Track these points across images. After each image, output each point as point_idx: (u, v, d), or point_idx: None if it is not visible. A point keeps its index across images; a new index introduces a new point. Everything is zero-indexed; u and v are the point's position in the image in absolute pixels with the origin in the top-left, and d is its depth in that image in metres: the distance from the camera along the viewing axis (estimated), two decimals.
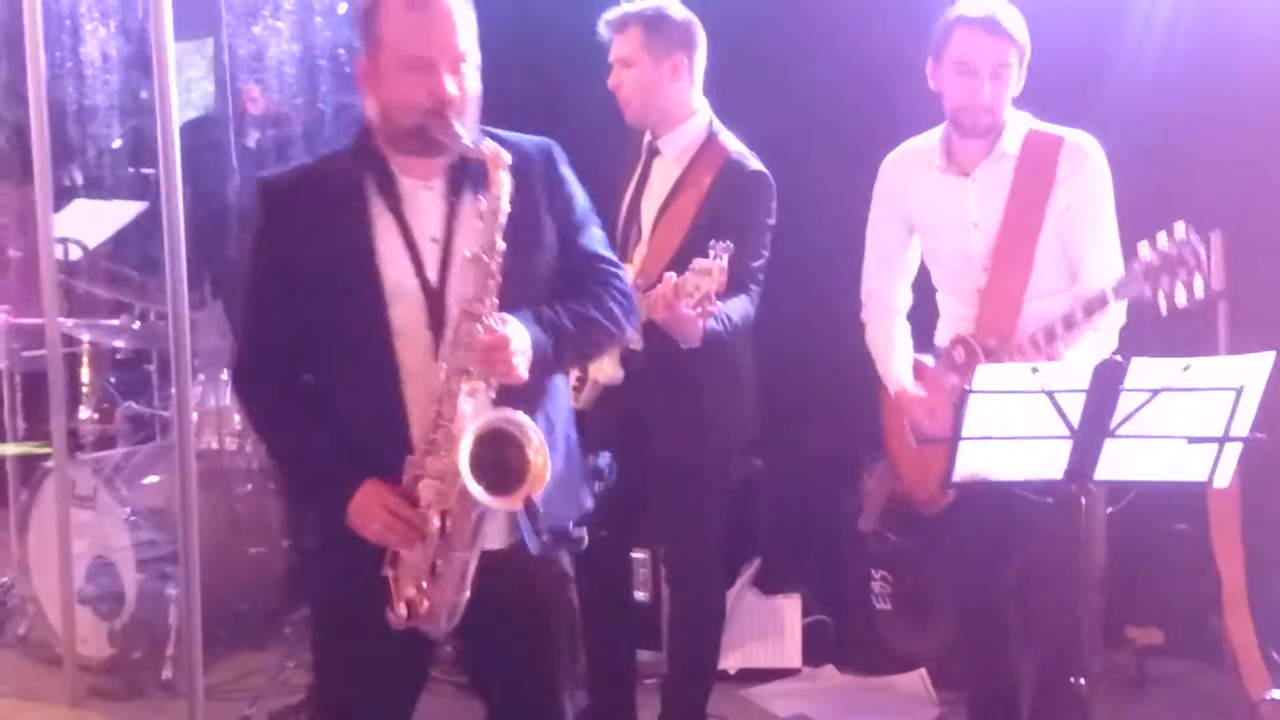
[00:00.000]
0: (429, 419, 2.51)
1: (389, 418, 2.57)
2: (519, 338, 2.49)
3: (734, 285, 3.42)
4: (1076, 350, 3.23)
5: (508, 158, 2.50)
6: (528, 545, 2.59)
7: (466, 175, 2.61)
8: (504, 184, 2.48)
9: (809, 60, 4.96)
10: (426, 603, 2.53)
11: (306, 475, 2.73)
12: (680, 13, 3.71)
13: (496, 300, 2.48)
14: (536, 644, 2.75)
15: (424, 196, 2.61)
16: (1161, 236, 3.03)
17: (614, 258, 2.81)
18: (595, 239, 2.78)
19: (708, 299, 3.30)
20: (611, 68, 3.73)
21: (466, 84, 2.55)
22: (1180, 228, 3.02)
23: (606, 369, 3.71)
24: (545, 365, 2.59)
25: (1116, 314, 3.26)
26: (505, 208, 2.48)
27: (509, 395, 2.53)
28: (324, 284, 2.58)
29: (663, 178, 3.75)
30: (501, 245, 2.48)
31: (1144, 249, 3.06)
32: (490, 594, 2.59)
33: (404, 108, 2.53)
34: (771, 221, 3.68)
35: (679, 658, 4.02)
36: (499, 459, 2.45)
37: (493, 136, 2.63)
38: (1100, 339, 3.27)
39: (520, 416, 2.46)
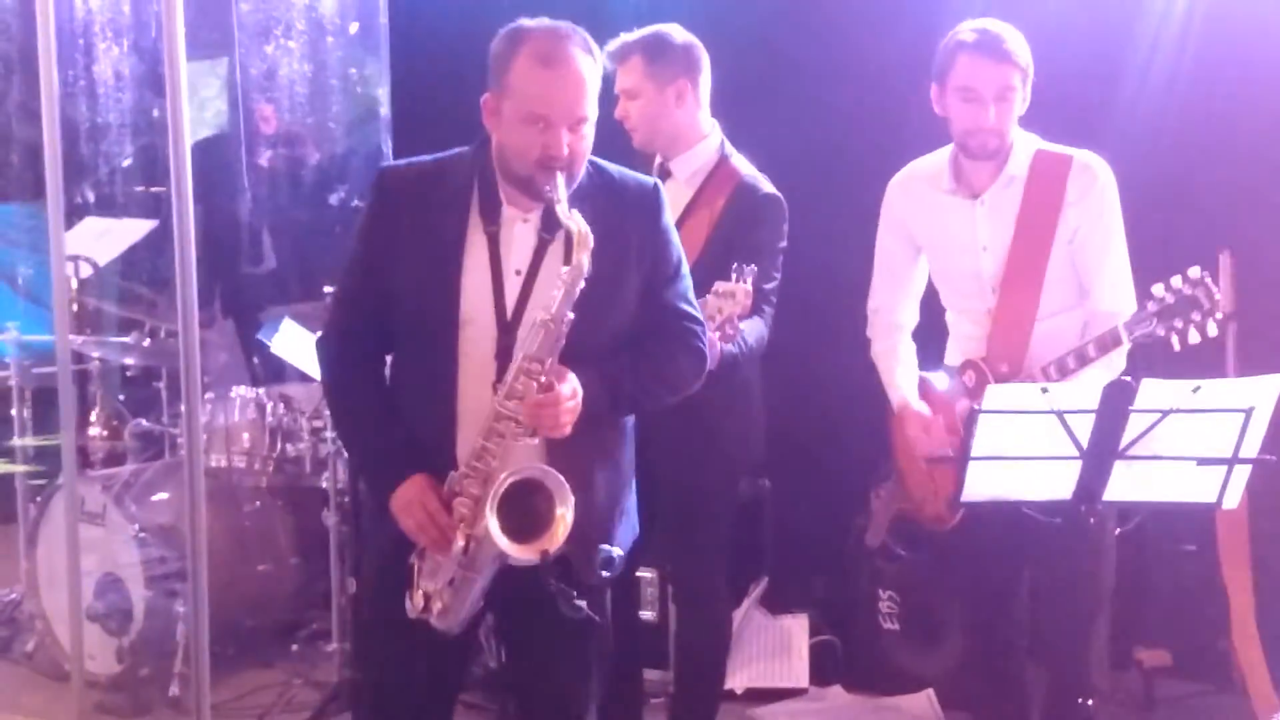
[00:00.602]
0: (475, 448, 2.60)
1: (440, 429, 2.68)
2: (571, 396, 2.58)
3: (749, 308, 3.42)
4: (1088, 371, 3.23)
5: (590, 240, 2.55)
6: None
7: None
8: (585, 264, 2.54)
9: (816, 79, 4.96)
10: (440, 605, 2.63)
11: (367, 449, 2.85)
12: (681, 36, 3.69)
13: (556, 361, 2.56)
14: (564, 660, 2.84)
15: (519, 228, 2.69)
16: (1176, 279, 3.05)
17: (696, 312, 2.86)
18: (680, 293, 2.82)
19: (730, 321, 3.29)
20: (618, 98, 3.72)
21: (582, 144, 2.65)
22: (1195, 271, 3.04)
23: None
24: (598, 420, 2.67)
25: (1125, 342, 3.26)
26: (582, 284, 2.55)
27: (564, 442, 2.63)
28: (411, 284, 2.70)
29: (674, 199, 3.71)
30: (571, 315, 2.55)
31: (1158, 289, 3.07)
32: (503, 592, 2.71)
33: (518, 155, 2.63)
34: (784, 244, 3.67)
35: (685, 677, 4.01)
36: (529, 508, 2.55)
37: (600, 171, 2.75)
38: (1110, 361, 3.27)
39: (556, 475, 2.55)
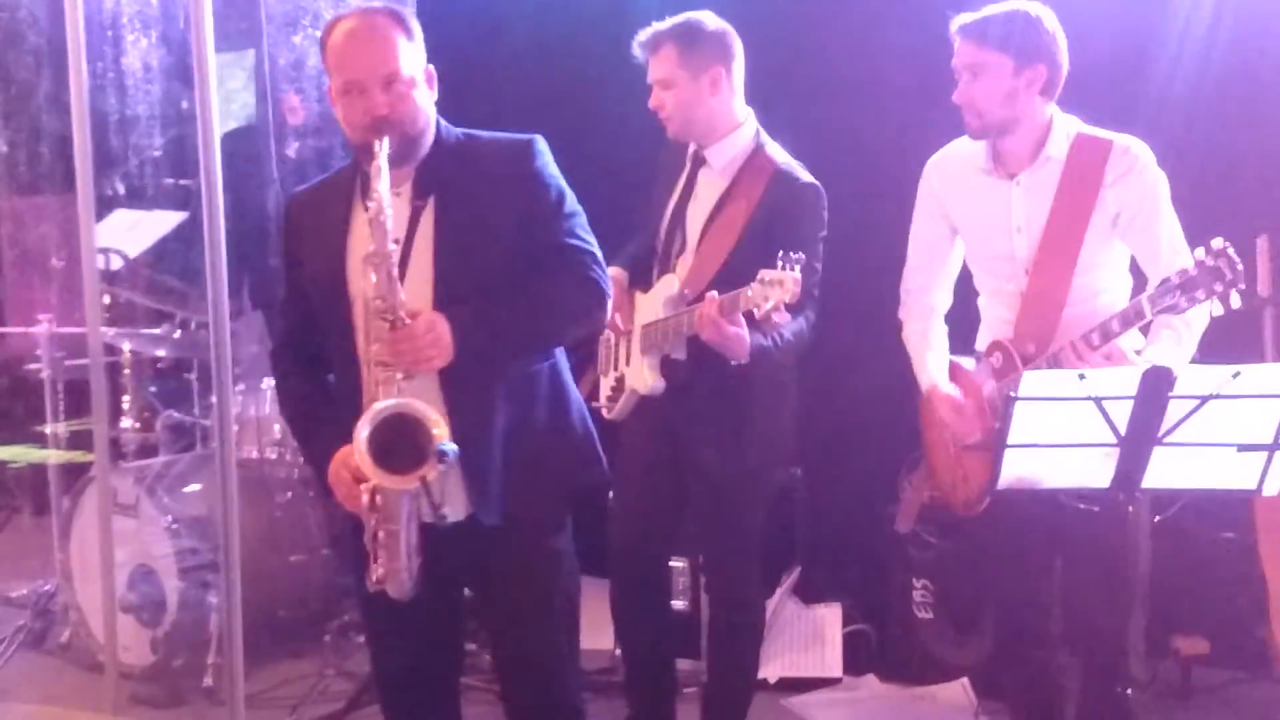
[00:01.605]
0: (367, 402, 2.71)
1: (353, 404, 2.77)
2: (428, 329, 2.68)
3: (798, 297, 3.39)
4: (1155, 349, 3.19)
5: (385, 172, 2.66)
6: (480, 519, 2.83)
7: (433, 180, 2.82)
8: (382, 194, 2.64)
9: (845, 65, 4.95)
10: (380, 569, 2.72)
11: (309, 444, 3.01)
12: (714, 23, 3.67)
13: (402, 295, 2.67)
14: (526, 615, 2.96)
15: (394, 204, 2.76)
16: (1199, 250, 3.00)
17: (586, 244, 2.92)
18: (565, 229, 2.89)
19: (778, 309, 3.26)
20: (651, 88, 3.70)
21: (404, 105, 2.76)
22: (1218, 241, 2.99)
23: (646, 379, 3.70)
24: (482, 354, 2.76)
25: (1198, 317, 3.19)
26: (387, 212, 2.64)
27: (455, 383, 2.77)
28: (312, 285, 2.90)
29: (709, 188, 3.71)
30: (393, 247, 2.65)
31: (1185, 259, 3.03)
32: (466, 562, 2.90)
33: (351, 129, 2.79)
34: (824, 234, 3.66)
35: (718, 667, 4.00)
36: (406, 441, 2.62)
37: (471, 135, 2.91)
38: (1180, 337, 3.21)
39: (420, 405, 2.64)
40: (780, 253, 3.27)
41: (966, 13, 3.33)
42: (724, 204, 3.64)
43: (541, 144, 2.90)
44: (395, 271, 2.66)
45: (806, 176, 3.63)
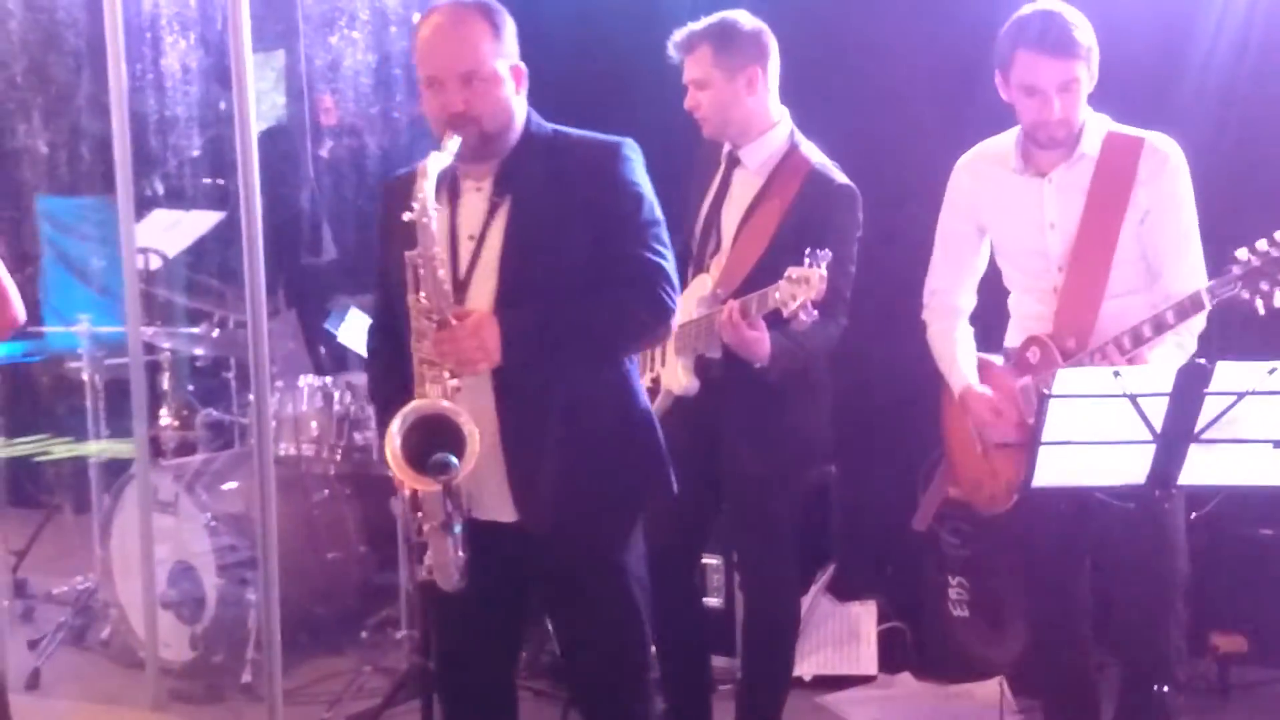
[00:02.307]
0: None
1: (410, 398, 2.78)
2: (473, 330, 2.66)
3: (827, 313, 3.39)
4: (1159, 352, 3.19)
5: (430, 172, 2.65)
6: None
7: (514, 178, 2.81)
8: (426, 194, 2.64)
9: (875, 65, 4.93)
10: (428, 561, 2.75)
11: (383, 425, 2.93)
12: (749, 23, 3.65)
13: (450, 296, 2.68)
14: (587, 629, 2.96)
15: (474, 197, 2.80)
16: (1261, 242, 2.99)
17: (661, 260, 2.87)
18: (640, 240, 2.85)
19: (804, 309, 3.25)
20: (686, 89, 3.68)
21: (483, 101, 2.75)
22: None
23: (681, 379, 3.70)
24: (531, 361, 2.74)
25: (1199, 319, 3.21)
26: (430, 214, 2.64)
27: (507, 387, 2.77)
28: (391, 274, 2.83)
29: (744, 188, 3.70)
30: (436, 249, 2.66)
31: (1242, 253, 3.02)
32: (523, 563, 2.91)
33: (432, 123, 2.80)
34: (859, 234, 3.64)
35: (753, 664, 4.00)
36: (446, 441, 2.63)
37: (559, 133, 2.87)
38: (1182, 341, 3.23)
39: (457, 410, 2.65)
40: (807, 250, 3.27)
41: (1027, 15, 3.29)
42: (758, 204, 3.64)
43: (630, 149, 2.87)
44: (442, 272, 2.66)
45: (841, 178, 3.62)
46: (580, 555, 2.89)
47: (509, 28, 2.83)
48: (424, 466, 2.60)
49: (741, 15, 3.67)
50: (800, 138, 3.70)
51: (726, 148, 3.75)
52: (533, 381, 2.76)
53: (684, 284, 3.81)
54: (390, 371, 2.94)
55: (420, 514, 2.70)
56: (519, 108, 2.84)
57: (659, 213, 2.90)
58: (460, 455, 2.61)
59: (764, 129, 3.67)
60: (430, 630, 3.10)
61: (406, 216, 2.65)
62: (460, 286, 2.79)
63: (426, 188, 2.64)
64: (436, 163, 2.67)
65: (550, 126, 2.89)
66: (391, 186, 2.96)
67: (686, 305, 3.71)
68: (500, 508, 2.83)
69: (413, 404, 2.67)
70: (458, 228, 2.83)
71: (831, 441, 3.93)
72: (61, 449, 5.21)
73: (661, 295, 2.84)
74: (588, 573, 2.91)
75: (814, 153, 3.67)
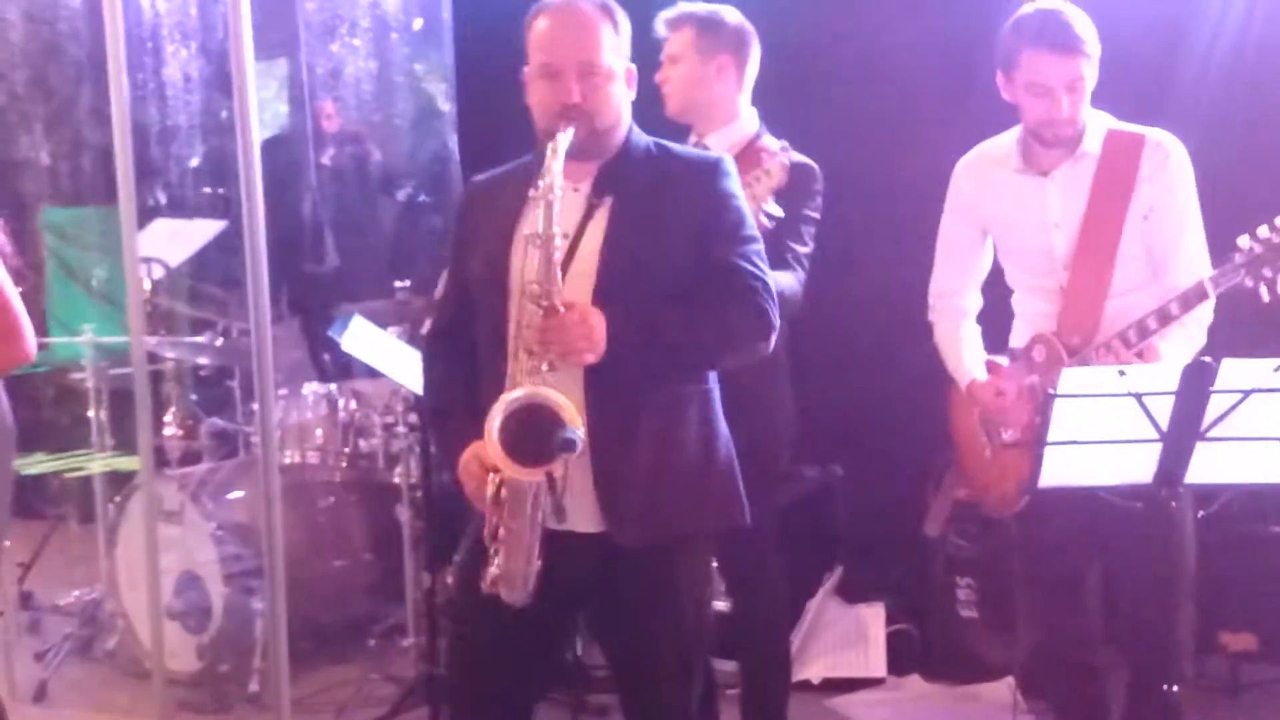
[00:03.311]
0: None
1: (497, 397, 2.64)
2: (581, 320, 2.59)
3: (781, 264, 3.42)
4: (1166, 346, 3.18)
5: (560, 150, 2.60)
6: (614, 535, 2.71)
7: (615, 181, 2.75)
8: (555, 174, 2.57)
9: (878, 65, 4.93)
10: (499, 569, 2.63)
11: (444, 435, 2.93)
12: (734, 18, 3.74)
13: (561, 284, 2.58)
14: (653, 657, 2.84)
15: (570, 198, 2.69)
16: (1263, 228, 2.99)
17: (761, 274, 2.80)
18: (742, 253, 2.79)
19: (769, 199, 3.36)
20: (661, 64, 3.76)
21: (598, 95, 2.70)
22: None
23: None
24: (633, 358, 2.64)
25: (1206, 311, 3.21)
26: (557, 193, 2.57)
27: (600, 384, 2.66)
28: (475, 271, 2.81)
29: None
30: (557, 230, 2.58)
31: (1244, 240, 3.02)
32: (591, 582, 2.77)
33: (541, 113, 2.74)
34: (817, 215, 3.67)
35: (749, 667, 3.98)
36: (540, 435, 2.52)
37: (663, 146, 2.85)
38: (1190, 334, 3.22)
39: (557, 396, 2.54)
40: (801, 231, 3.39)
41: (1030, 15, 3.28)
42: None
43: (730, 164, 2.84)
44: (557, 257, 2.58)
45: (799, 157, 3.63)
46: (658, 574, 2.77)
47: (626, 27, 2.80)
48: (524, 456, 2.50)
49: (731, 11, 3.75)
50: (767, 134, 3.71)
51: (692, 139, 3.77)
52: (626, 383, 2.67)
53: None
54: (451, 378, 2.89)
55: (500, 515, 2.60)
56: (627, 110, 2.81)
57: (757, 232, 2.86)
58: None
59: (728, 119, 3.72)
60: (453, 644, 3.04)
61: (532, 193, 2.59)
62: None
63: (555, 166, 2.57)
64: (565, 141, 2.61)
65: (650, 139, 2.85)
66: (476, 185, 2.96)
67: None
68: (582, 517, 2.68)
69: (517, 392, 2.56)
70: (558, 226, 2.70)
71: (796, 429, 3.88)
72: (59, 464, 5.21)
73: (766, 309, 2.77)
74: (662, 593, 2.79)
75: (772, 142, 3.66)
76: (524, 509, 2.58)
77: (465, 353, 2.86)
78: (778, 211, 3.39)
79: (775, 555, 3.84)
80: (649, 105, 3.72)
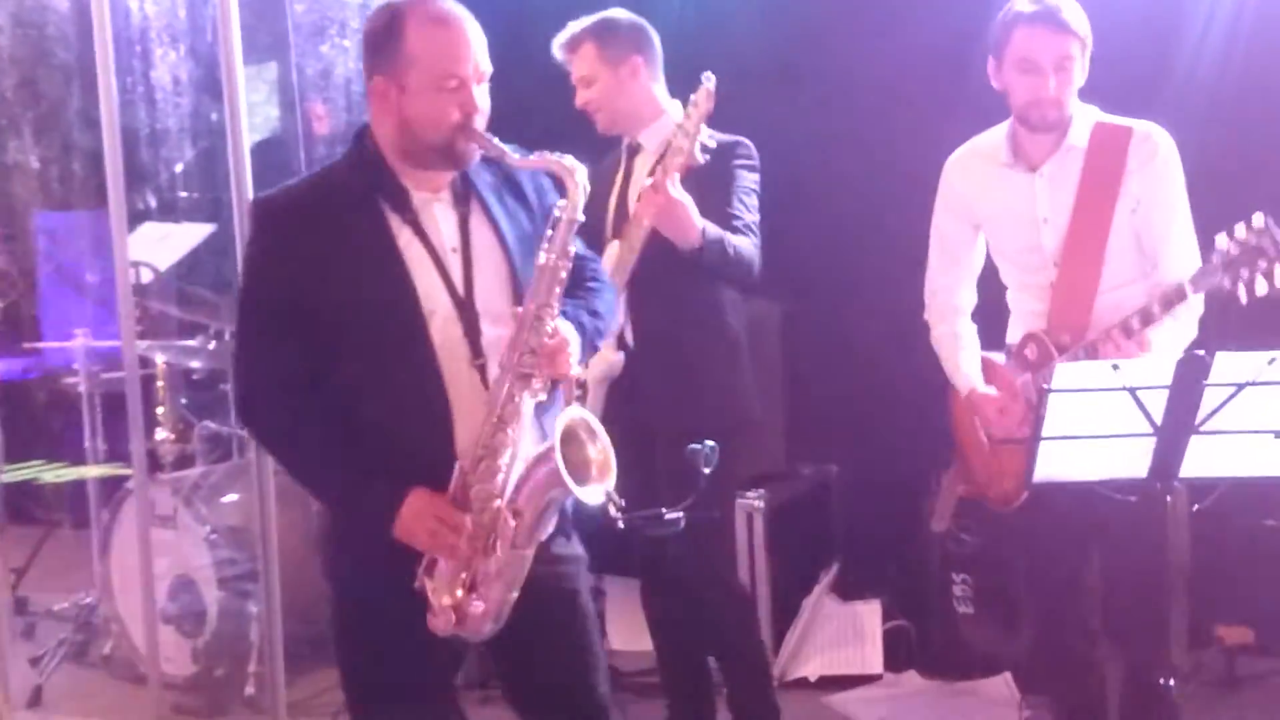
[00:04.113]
0: (487, 426, 2.54)
1: (434, 429, 2.59)
2: (574, 337, 2.61)
3: (735, 232, 3.50)
4: (1158, 338, 3.18)
5: (582, 167, 2.56)
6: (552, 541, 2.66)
7: (470, 185, 2.69)
8: (581, 192, 2.55)
9: (869, 63, 4.92)
10: (481, 605, 2.55)
11: (345, 493, 2.66)
12: (626, 16, 3.75)
13: (559, 305, 2.57)
14: (572, 637, 2.79)
15: (436, 208, 2.65)
16: (1240, 227, 3.00)
17: (591, 251, 2.92)
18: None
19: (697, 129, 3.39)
20: (575, 90, 3.76)
21: (486, 102, 2.62)
22: (1259, 218, 2.99)
23: (607, 355, 3.70)
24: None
25: (1196, 303, 3.21)
26: (580, 217, 2.56)
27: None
28: (354, 303, 2.57)
29: (643, 168, 3.74)
30: (572, 251, 2.56)
31: (1221, 240, 3.03)
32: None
33: (433, 125, 2.57)
34: (756, 187, 3.68)
35: (725, 659, 3.98)
36: (570, 454, 2.51)
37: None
38: (1180, 328, 3.22)
39: (587, 413, 2.57)
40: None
41: (1020, 4, 3.28)
42: (654, 173, 3.59)
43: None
44: (564, 282, 2.58)
45: (727, 137, 3.63)
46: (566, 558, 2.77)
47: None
48: (578, 476, 2.49)
49: (619, 12, 3.76)
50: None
51: (625, 142, 3.81)
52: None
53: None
54: (330, 435, 2.61)
55: (479, 553, 2.53)
56: None
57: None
58: (588, 459, 2.55)
59: (655, 115, 3.74)
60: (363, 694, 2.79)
61: (560, 214, 2.56)
62: (465, 304, 2.62)
63: (581, 185, 2.56)
64: (583, 172, 2.59)
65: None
66: (273, 206, 2.67)
67: None
68: None
69: (574, 411, 2.56)
70: (431, 241, 2.62)
71: (757, 410, 3.86)
72: (50, 475, 5.20)
73: (609, 284, 2.95)
74: (571, 571, 2.79)
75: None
76: (532, 536, 2.56)
77: (310, 400, 2.61)
78: (711, 143, 3.43)
79: (730, 530, 3.82)
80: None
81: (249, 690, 4.62)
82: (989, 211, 3.51)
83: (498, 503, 2.53)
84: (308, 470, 2.72)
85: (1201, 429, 2.74)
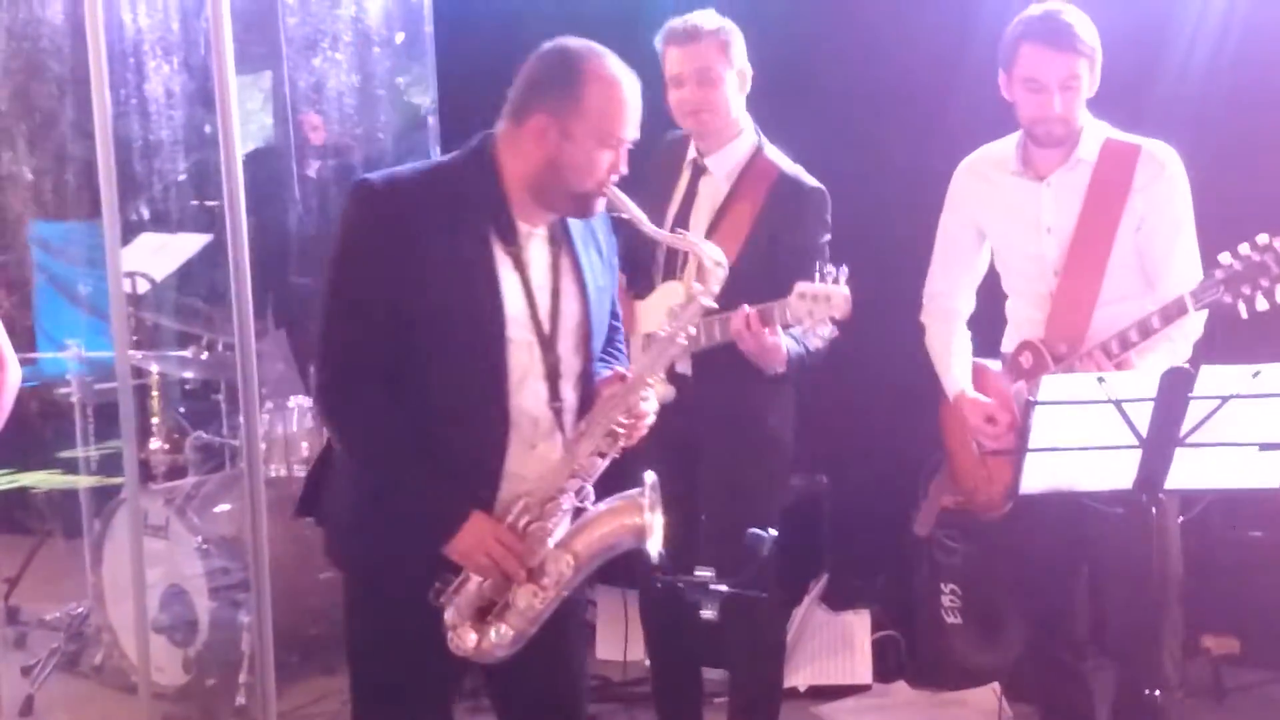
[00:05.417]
0: (564, 471, 2.62)
1: (489, 454, 2.64)
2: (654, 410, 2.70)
3: (849, 313, 3.39)
4: (1152, 359, 3.19)
5: (724, 259, 2.71)
6: None
7: (565, 229, 2.73)
8: (718, 280, 2.68)
9: (867, 69, 4.95)
10: (510, 634, 2.60)
11: (413, 495, 2.64)
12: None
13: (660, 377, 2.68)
14: (562, 656, 2.85)
15: (535, 243, 2.68)
16: (1244, 246, 3.02)
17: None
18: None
19: (821, 323, 3.27)
20: (667, 83, 3.63)
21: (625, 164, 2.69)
22: (1263, 237, 3.01)
23: (659, 389, 3.68)
24: None
25: (1193, 325, 3.22)
26: (713, 305, 2.69)
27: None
28: (446, 311, 2.58)
29: (711, 194, 3.67)
30: (693, 331, 2.69)
31: (1224, 257, 3.04)
32: None
33: (585, 174, 2.61)
34: (829, 238, 3.63)
35: (740, 677, 3.98)
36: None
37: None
38: (1176, 349, 3.23)
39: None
40: (818, 266, 3.27)
41: (1033, 15, 3.31)
42: (726, 211, 3.60)
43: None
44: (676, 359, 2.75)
45: (811, 181, 3.62)
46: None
47: None
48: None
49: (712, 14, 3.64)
50: (765, 141, 3.68)
51: (690, 154, 3.71)
52: None
53: (646, 290, 3.78)
54: (402, 431, 2.62)
55: (539, 582, 2.60)
56: None
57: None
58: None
59: (734, 136, 3.66)
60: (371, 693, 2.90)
61: (697, 292, 2.68)
62: (548, 343, 2.68)
63: (720, 274, 2.70)
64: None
65: None
66: (393, 189, 2.61)
67: (655, 314, 3.63)
68: None
69: (649, 477, 2.64)
70: (528, 275, 2.66)
71: (806, 448, 3.90)
72: (40, 479, 5.20)
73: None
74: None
75: (780, 157, 3.65)
76: (575, 583, 2.65)
77: (394, 404, 2.61)
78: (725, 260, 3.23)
79: (772, 568, 3.84)
80: None
81: (240, 700, 4.61)
82: (994, 217, 3.53)
83: (551, 543, 2.61)
84: (381, 464, 2.67)
85: (1186, 441, 2.76)
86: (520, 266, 2.64)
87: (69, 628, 5.24)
